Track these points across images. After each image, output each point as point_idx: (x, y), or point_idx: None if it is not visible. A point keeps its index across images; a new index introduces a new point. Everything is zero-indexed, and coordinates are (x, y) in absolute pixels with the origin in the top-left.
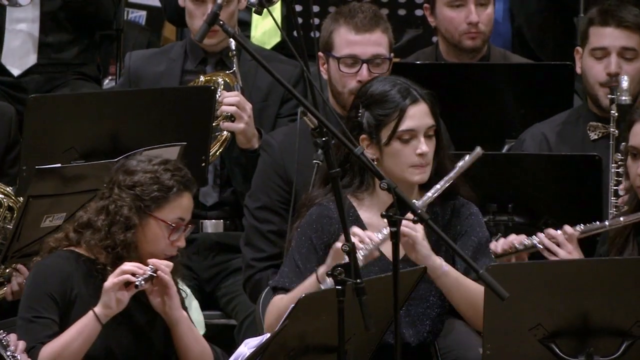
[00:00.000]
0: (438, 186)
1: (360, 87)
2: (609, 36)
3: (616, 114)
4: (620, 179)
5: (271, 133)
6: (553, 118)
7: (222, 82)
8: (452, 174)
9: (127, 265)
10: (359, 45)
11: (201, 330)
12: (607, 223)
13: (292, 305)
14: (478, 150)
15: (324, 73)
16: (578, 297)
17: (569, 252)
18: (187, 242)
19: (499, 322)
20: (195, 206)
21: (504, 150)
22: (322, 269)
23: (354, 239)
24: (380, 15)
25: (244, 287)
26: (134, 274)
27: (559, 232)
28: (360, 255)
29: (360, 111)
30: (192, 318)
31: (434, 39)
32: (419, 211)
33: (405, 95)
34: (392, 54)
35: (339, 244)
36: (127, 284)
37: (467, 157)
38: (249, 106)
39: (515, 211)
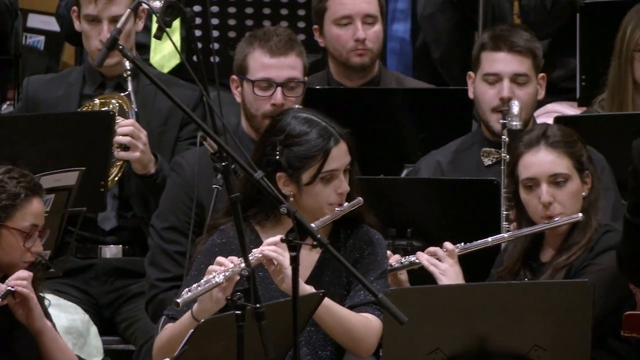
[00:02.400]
0: (312, 225)
1: (272, 123)
2: (501, 61)
3: (507, 139)
4: (512, 203)
5: (182, 154)
6: (448, 145)
7: (117, 105)
8: (328, 217)
9: None
10: (273, 69)
11: (99, 355)
12: (489, 239)
13: (192, 330)
14: (359, 200)
15: (238, 96)
16: (476, 321)
17: (450, 265)
18: (85, 267)
19: (397, 346)
20: (94, 231)
21: (402, 175)
22: (196, 306)
23: (217, 267)
24: (295, 38)
25: (147, 307)
26: None
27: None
28: (221, 278)
29: (277, 149)
30: (91, 343)
31: None
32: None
33: (327, 136)
34: (306, 78)
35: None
36: None
37: (346, 204)
38: (143, 134)
39: (414, 236)
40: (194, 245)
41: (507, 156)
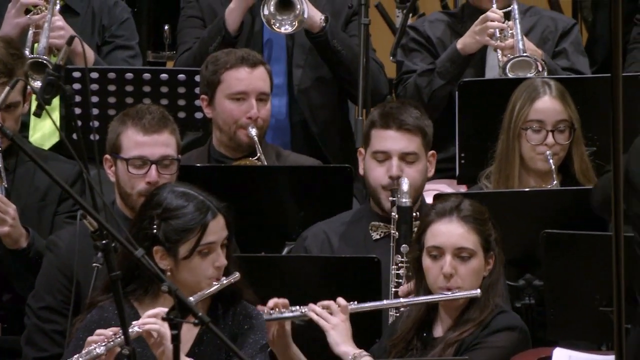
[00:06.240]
0: (190, 299)
1: (149, 197)
2: (390, 139)
3: (397, 216)
4: (400, 280)
5: (58, 233)
6: (336, 217)
7: None
8: (207, 291)
9: None
10: (147, 147)
11: None
12: (384, 302)
13: None
14: (236, 275)
15: (112, 175)
16: None
17: (341, 320)
18: None
19: None
20: None
21: (283, 253)
22: None
23: (97, 338)
24: (167, 116)
25: None
26: None
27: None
28: (102, 349)
29: (155, 223)
30: None
31: None
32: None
33: (204, 210)
34: (179, 155)
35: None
36: None
37: (224, 280)
38: (12, 208)
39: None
40: (72, 324)
41: (397, 233)
